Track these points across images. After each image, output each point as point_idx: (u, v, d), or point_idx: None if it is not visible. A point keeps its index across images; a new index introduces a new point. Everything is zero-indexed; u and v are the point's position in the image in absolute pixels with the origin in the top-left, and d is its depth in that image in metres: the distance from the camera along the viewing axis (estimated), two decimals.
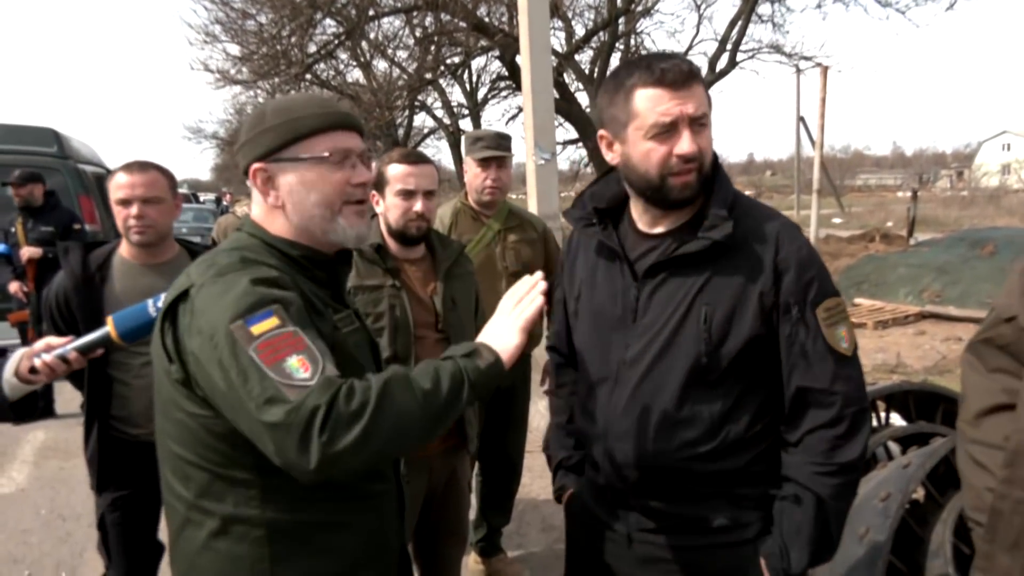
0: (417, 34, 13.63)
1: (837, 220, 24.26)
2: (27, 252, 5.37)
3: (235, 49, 12.63)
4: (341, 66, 16.49)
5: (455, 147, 19.66)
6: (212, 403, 1.19)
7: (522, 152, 6.53)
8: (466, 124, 19.74)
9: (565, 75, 13.53)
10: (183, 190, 26.89)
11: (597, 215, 1.60)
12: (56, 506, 4.31)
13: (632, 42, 15.32)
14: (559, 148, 8.86)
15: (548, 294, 1.39)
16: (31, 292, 5.36)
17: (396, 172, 2.25)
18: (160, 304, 1.45)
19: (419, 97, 17.33)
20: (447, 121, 20.03)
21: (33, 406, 1.80)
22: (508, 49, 12.09)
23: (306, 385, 1.10)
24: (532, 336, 1.73)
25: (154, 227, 2.33)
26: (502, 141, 3.07)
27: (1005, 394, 1.22)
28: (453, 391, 1.19)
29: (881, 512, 1.97)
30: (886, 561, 1.89)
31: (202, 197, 30.25)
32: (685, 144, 1.40)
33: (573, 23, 14.92)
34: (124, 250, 2.41)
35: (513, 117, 18.62)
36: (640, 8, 14.17)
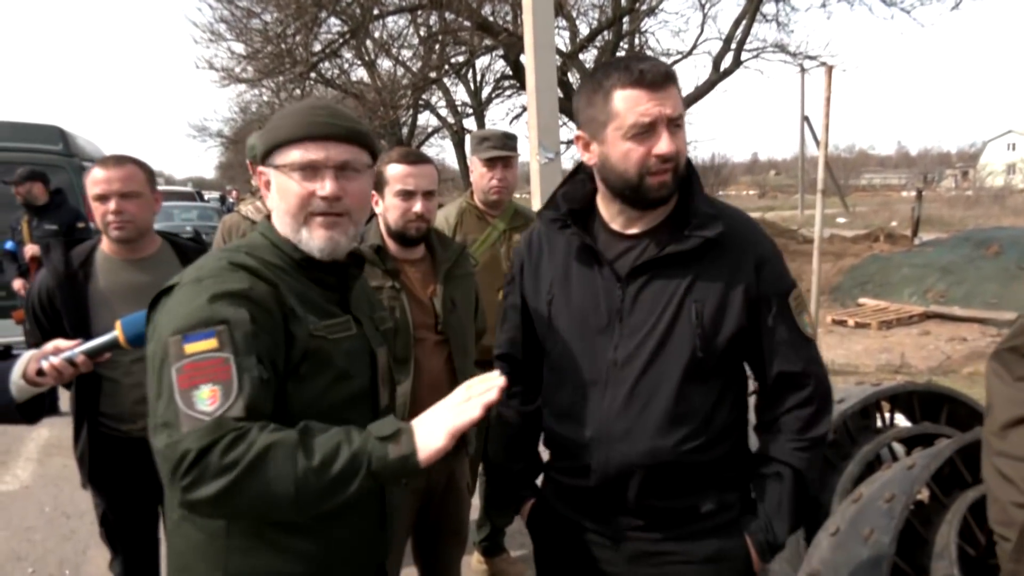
0: (421, 33, 13.64)
1: (841, 220, 24.21)
2: (30, 250, 5.40)
3: (240, 47, 12.66)
4: (345, 65, 16.51)
5: (459, 146, 19.63)
6: None
7: (526, 151, 6.52)
8: (470, 123, 19.70)
9: (569, 74, 13.50)
10: (187, 188, 27.04)
11: (571, 216, 1.60)
12: (60, 503, 4.33)
13: (636, 41, 15.29)
14: (563, 147, 8.85)
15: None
16: None
17: (395, 172, 2.23)
18: None
19: (423, 96, 17.30)
20: (451, 120, 20.01)
21: (40, 408, 1.79)
22: (512, 48, 12.08)
23: (200, 419, 1.13)
24: None
25: (133, 222, 2.30)
26: (508, 141, 3.06)
27: None
28: (343, 475, 1.12)
29: (886, 513, 1.96)
30: (890, 563, 1.88)
31: (206, 195, 30.26)
32: (664, 144, 1.43)
33: (577, 22, 14.91)
34: (105, 246, 2.38)
35: (517, 116, 18.61)
36: (644, 7, 14.15)
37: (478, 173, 3.07)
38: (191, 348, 1.18)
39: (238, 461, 1.09)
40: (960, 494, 2.04)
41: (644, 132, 1.43)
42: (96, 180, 2.28)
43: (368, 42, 14.72)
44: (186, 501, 1.11)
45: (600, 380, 1.54)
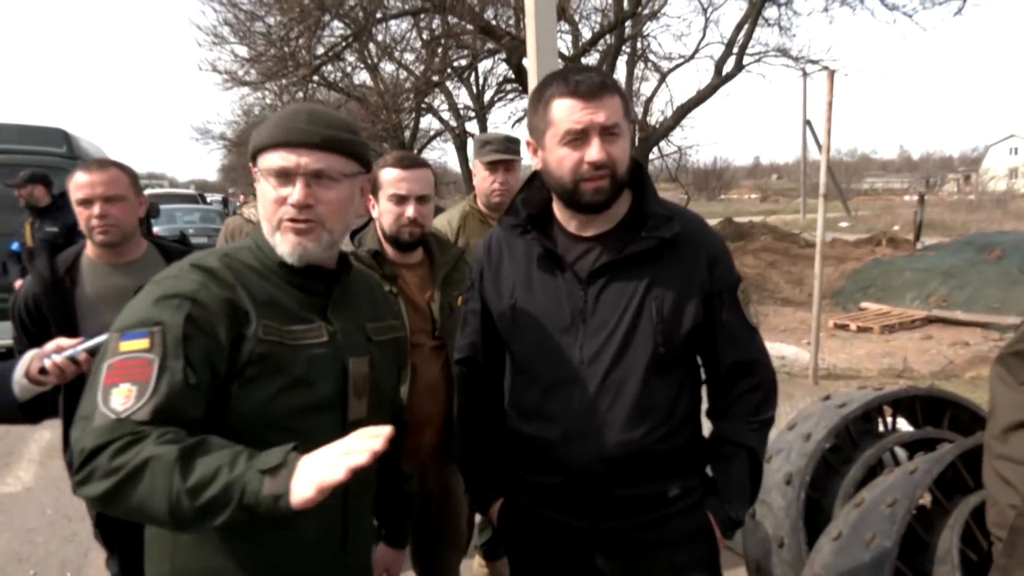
0: (424, 37, 13.64)
1: (844, 224, 24.20)
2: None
3: (243, 50, 12.66)
4: (348, 68, 16.53)
5: (461, 149, 19.65)
6: None
7: (528, 155, 6.53)
8: (472, 127, 19.72)
9: None
10: (190, 191, 27.06)
11: (530, 221, 1.66)
12: (61, 506, 4.33)
13: (639, 45, 15.31)
14: None
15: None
16: None
17: (389, 176, 2.22)
18: None
19: (426, 99, 17.32)
20: (453, 123, 20.02)
21: (43, 408, 1.79)
22: (515, 52, 12.10)
23: (107, 416, 1.15)
24: None
25: (118, 226, 2.28)
26: (510, 145, 3.06)
27: None
28: (214, 504, 1.06)
29: (888, 518, 1.96)
30: (893, 567, 1.88)
31: (209, 198, 30.29)
32: (594, 151, 1.50)
33: (580, 26, 14.92)
34: (91, 251, 2.37)
35: (519, 120, 18.57)
36: (646, 11, 14.16)
37: (480, 177, 3.07)
38: (125, 346, 1.21)
39: (122, 467, 1.09)
40: (962, 499, 2.04)
41: (577, 139, 1.51)
42: (79, 185, 2.25)
43: (371, 45, 14.75)
44: (81, 493, 1.14)
45: (568, 378, 1.60)
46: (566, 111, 1.51)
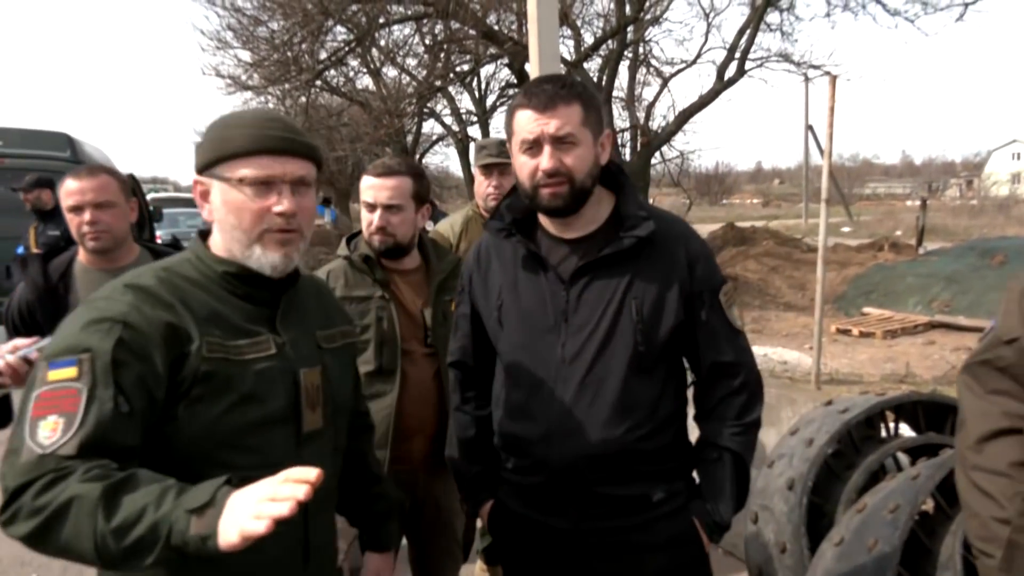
0: (427, 42, 13.68)
1: (846, 229, 24.18)
2: None
3: (246, 55, 12.69)
4: (351, 73, 16.58)
5: (463, 154, 19.67)
6: None
7: None
8: (475, 131, 19.74)
9: None
10: (190, 195, 27.02)
11: (515, 225, 1.71)
12: None
13: (641, 50, 15.33)
14: None
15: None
16: None
17: (363, 184, 2.25)
18: None
19: (428, 104, 17.35)
20: (456, 128, 20.06)
21: (9, 412, 1.77)
22: (517, 57, 12.12)
23: (32, 452, 1.10)
24: None
25: (109, 232, 2.27)
26: (503, 148, 3.09)
27: (1006, 418, 1.21)
28: (140, 544, 1.02)
29: (890, 523, 1.96)
30: (895, 573, 1.88)
31: None
32: (544, 160, 1.57)
33: (582, 31, 14.93)
34: (83, 257, 2.36)
35: None
36: (649, 17, 14.19)
37: (477, 181, 3.13)
38: (53, 375, 1.15)
39: (45, 507, 1.05)
40: None
41: (531, 148, 1.58)
42: (69, 191, 2.25)
43: (374, 50, 14.78)
44: (7, 535, 1.09)
45: (550, 377, 1.64)
46: (524, 121, 1.58)
